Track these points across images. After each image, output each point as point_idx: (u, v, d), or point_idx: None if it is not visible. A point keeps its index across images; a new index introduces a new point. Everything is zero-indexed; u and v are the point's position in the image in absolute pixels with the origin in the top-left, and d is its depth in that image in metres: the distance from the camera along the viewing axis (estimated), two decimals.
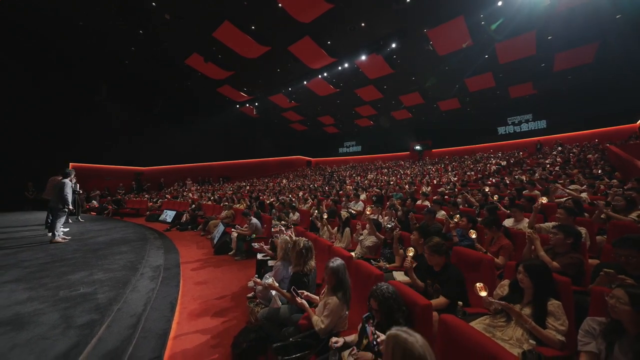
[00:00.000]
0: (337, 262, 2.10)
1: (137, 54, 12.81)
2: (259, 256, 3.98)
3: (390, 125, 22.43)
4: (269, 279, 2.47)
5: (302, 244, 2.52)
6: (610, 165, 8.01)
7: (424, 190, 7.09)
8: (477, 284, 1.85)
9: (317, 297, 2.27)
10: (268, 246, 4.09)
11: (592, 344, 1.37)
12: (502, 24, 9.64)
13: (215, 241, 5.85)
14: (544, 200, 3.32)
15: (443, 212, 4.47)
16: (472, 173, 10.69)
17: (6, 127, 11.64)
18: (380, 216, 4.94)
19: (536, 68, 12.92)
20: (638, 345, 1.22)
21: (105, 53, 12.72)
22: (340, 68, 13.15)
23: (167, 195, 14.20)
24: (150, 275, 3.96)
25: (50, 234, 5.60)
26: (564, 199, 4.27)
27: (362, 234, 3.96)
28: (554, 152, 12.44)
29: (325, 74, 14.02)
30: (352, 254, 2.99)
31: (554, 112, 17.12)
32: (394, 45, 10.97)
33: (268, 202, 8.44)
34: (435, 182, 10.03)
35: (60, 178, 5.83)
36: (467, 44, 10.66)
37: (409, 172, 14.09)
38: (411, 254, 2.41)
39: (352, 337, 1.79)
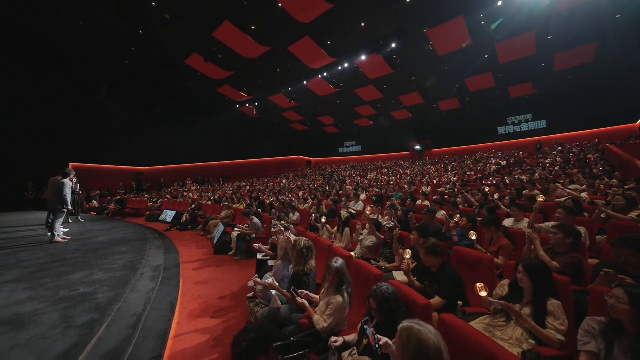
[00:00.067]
0: (339, 261, 2.11)
1: (137, 54, 12.80)
2: (259, 256, 3.98)
3: (390, 125, 22.43)
4: (269, 279, 2.47)
5: (302, 244, 2.52)
6: (610, 165, 8.02)
7: (424, 190, 7.09)
8: (477, 284, 1.85)
9: (317, 297, 2.28)
10: (268, 246, 4.10)
11: (591, 344, 1.37)
12: (502, 24, 9.64)
13: (215, 241, 5.85)
14: (542, 198, 3.32)
15: (443, 212, 4.47)
16: (472, 173, 10.70)
17: (6, 127, 11.65)
18: (380, 216, 4.94)
19: (536, 68, 12.92)
20: (638, 344, 1.22)
21: (105, 53, 12.72)
22: (340, 68, 13.15)
23: (167, 195, 14.20)
24: (150, 275, 3.96)
25: (50, 234, 5.60)
26: (564, 198, 4.27)
27: (362, 234, 3.96)
28: (554, 152, 12.45)
29: (325, 74, 14.02)
30: (352, 253, 2.99)
31: (554, 112, 17.12)
32: (394, 45, 10.97)
33: (268, 202, 8.44)
34: (435, 182, 10.03)
35: (60, 178, 5.83)
36: (467, 44, 10.66)
37: (409, 172, 14.09)
38: (408, 256, 2.42)
39: (351, 337, 1.79)
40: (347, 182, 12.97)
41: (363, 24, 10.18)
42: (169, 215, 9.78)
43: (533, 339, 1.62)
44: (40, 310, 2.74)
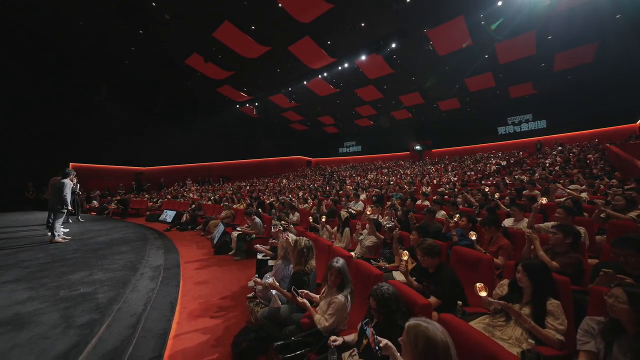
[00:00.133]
0: (340, 261, 2.12)
1: (137, 54, 12.80)
2: (259, 256, 3.99)
3: (390, 125, 22.43)
4: (269, 279, 2.47)
5: (303, 244, 2.52)
6: (610, 165, 8.02)
7: (424, 190, 7.09)
8: (477, 284, 1.86)
9: (317, 297, 2.28)
10: (267, 247, 4.10)
11: (591, 343, 1.37)
12: (502, 24, 9.64)
13: (215, 241, 5.85)
14: (544, 200, 3.32)
15: (443, 212, 4.48)
16: (472, 173, 10.70)
17: (6, 127, 11.65)
18: (380, 216, 4.95)
19: (536, 68, 12.92)
20: (637, 344, 1.22)
21: (105, 53, 12.72)
22: (340, 68, 13.15)
23: (167, 195, 14.20)
24: (150, 275, 3.97)
25: (50, 234, 5.60)
26: (564, 198, 4.27)
27: (361, 234, 3.97)
28: (554, 152, 12.45)
29: (325, 74, 14.02)
30: (352, 253, 2.99)
31: (554, 112, 17.12)
32: (394, 45, 10.97)
33: (268, 202, 8.44)
34: (435, 182, 10.04)
35: (60, 178, 5.83)
36: (467, 44, 10.66)
37: (409, 172, 14.09)
38: (405, 257, 2.42)
39: (351, 337, 1.80)
40: (347, 182, 12.97)
41: (363, 24, 10.18)
42: (169, 215, 9.78)
43: (532, 339, 1.63)
44: (41, 310, 2.75)
